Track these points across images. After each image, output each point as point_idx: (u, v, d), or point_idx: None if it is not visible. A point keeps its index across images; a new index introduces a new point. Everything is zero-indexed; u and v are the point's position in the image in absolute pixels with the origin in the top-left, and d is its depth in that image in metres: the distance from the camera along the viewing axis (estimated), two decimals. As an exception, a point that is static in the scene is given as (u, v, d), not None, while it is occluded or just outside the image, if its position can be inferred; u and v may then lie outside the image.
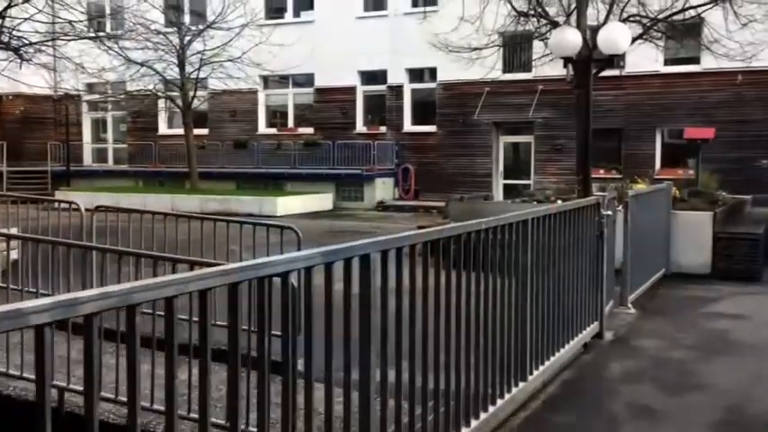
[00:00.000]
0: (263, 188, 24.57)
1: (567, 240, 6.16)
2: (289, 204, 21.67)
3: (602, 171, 22.00)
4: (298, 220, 20.88)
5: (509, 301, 4.86)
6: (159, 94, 23.50)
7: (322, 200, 23.25)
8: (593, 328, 6.78)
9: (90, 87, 27.47)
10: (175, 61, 22.48)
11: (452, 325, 4.05)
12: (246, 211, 21.50)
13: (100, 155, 29.84)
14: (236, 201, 21.81)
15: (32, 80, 19.93)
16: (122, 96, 25.56)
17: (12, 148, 26.87)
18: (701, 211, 10.41)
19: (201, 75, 22.96)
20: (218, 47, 22.14)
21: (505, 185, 23.54)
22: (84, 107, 29.03)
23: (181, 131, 27.04)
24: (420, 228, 12.61)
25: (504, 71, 22.74)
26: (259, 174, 24.99)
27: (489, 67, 18.89)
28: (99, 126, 30.24)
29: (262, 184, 24.82)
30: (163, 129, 27.84)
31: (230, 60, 22.22)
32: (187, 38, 22.71)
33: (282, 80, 26.29)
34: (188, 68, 22.70)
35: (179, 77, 22.65)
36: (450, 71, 21.53)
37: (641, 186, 13.39)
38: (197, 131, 27.06)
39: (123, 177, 27.08)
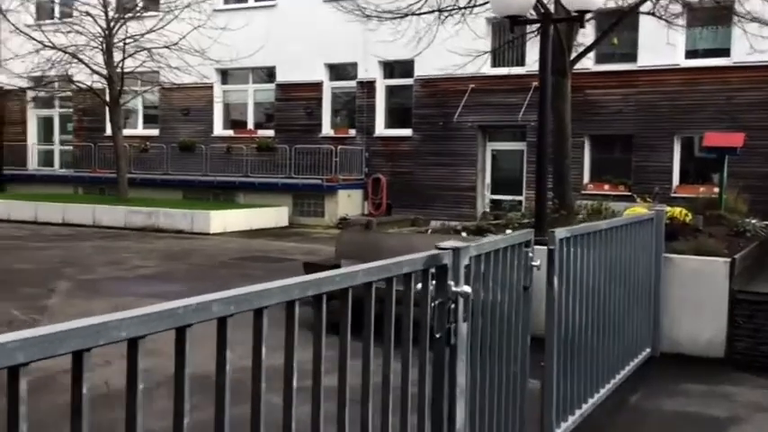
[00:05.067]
0: (212, 199, 21.08)
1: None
2: (226, 220, 18.07)
3: (606, 186, 18.11)
4: (230, 238, 17.32)
5: None
6: (82, 86, 20.05)
7: (275, 214, 19.63)
8: None
9: (37, 81, 24.31)
10: (101, 48, 19.06)
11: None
12: (175, 227, 18.01)
13: (47, 157, 26.65)
14: (164, 214, 18.29)
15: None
16: (50, 91, 22.32)
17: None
18: (710, 257, 6.54)
19: (134, 64, 19.48)
20: (149, 30, 18.69)
21: (493, 201, 19.72)
22: (31, 104, 25.84)
23: (132, 132, 23.85)
24: (305, 267, 8.90)
25: (494, 65, 19.03)
26: (208, 182, 21.50)
27: (471, 56, 15.22)
28: (48, 125, 27.06)
29: (212, 195, 21.34)
30: (111, 129, 24.47)
31: (166, 47, 18.76)
32: (118, 22, 19.30)
33: (243, 74, 22.78)
34: (117, 57, 19.27)
35: (105, 67, 19.21)
36: (431, 64, 17.84)
37: (639, 210, 9.65)
38: (148, 132, 23.85)
39: (64, 183, 23.81)
